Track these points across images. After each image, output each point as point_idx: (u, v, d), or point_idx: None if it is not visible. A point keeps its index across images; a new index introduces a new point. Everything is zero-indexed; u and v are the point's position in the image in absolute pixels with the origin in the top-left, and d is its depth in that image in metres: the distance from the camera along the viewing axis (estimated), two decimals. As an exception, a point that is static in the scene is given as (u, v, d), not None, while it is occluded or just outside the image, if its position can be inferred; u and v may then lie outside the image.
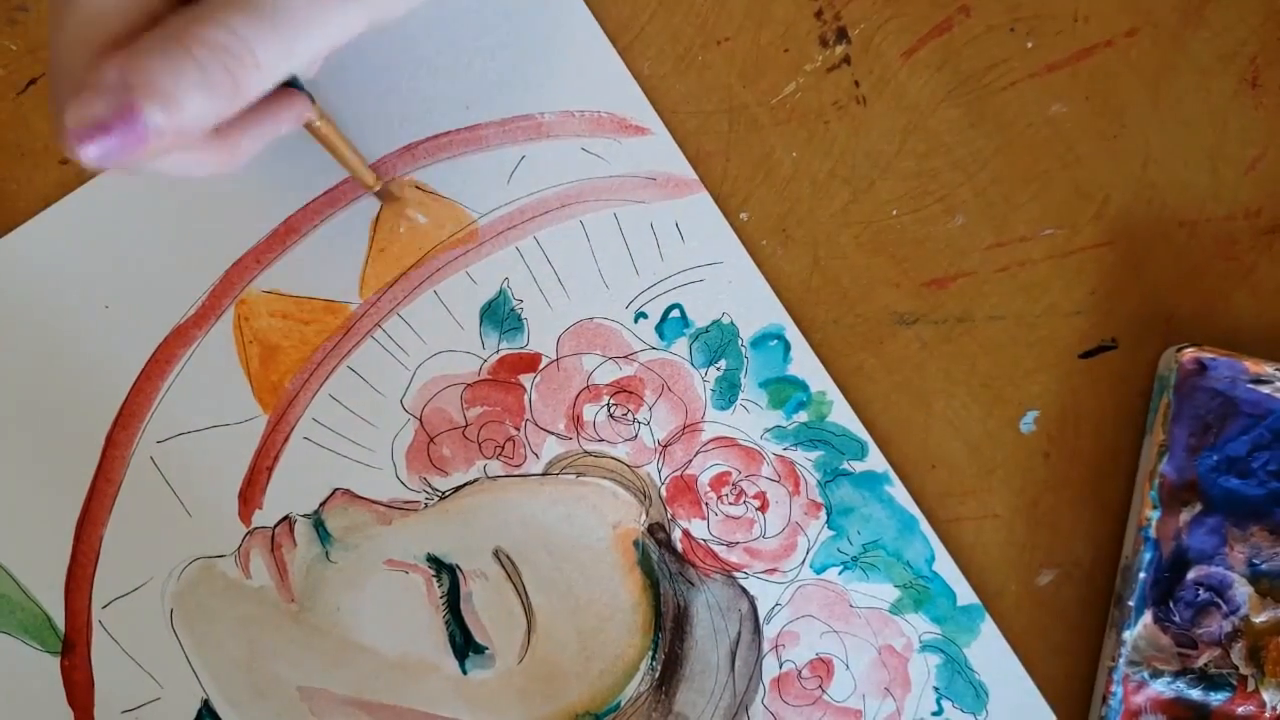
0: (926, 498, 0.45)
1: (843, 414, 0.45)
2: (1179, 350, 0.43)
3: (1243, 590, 0.43)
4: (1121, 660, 0.43)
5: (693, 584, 0.44)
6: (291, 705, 0.43)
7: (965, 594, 0.45)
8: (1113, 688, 0.43)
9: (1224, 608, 0.43)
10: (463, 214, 0.45)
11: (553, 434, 0.45)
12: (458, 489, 0.44)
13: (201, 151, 0.32)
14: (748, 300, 0.45)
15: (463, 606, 0.44)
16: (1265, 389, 0.44)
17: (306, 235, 0.45)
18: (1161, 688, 0.43)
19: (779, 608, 0.44)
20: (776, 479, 0.45)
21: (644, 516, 0.45)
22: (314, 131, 0.40)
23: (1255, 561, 0.43)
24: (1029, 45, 0.46)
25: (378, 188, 0.44)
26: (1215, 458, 0.44)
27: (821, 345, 0.45)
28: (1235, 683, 0.43)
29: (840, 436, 0.45)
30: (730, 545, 0.45)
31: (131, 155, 0.26)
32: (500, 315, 0.45)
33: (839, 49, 0.46)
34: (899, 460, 0.45)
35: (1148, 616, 0.43)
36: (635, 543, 0.44)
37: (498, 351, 0.45)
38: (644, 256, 0.45)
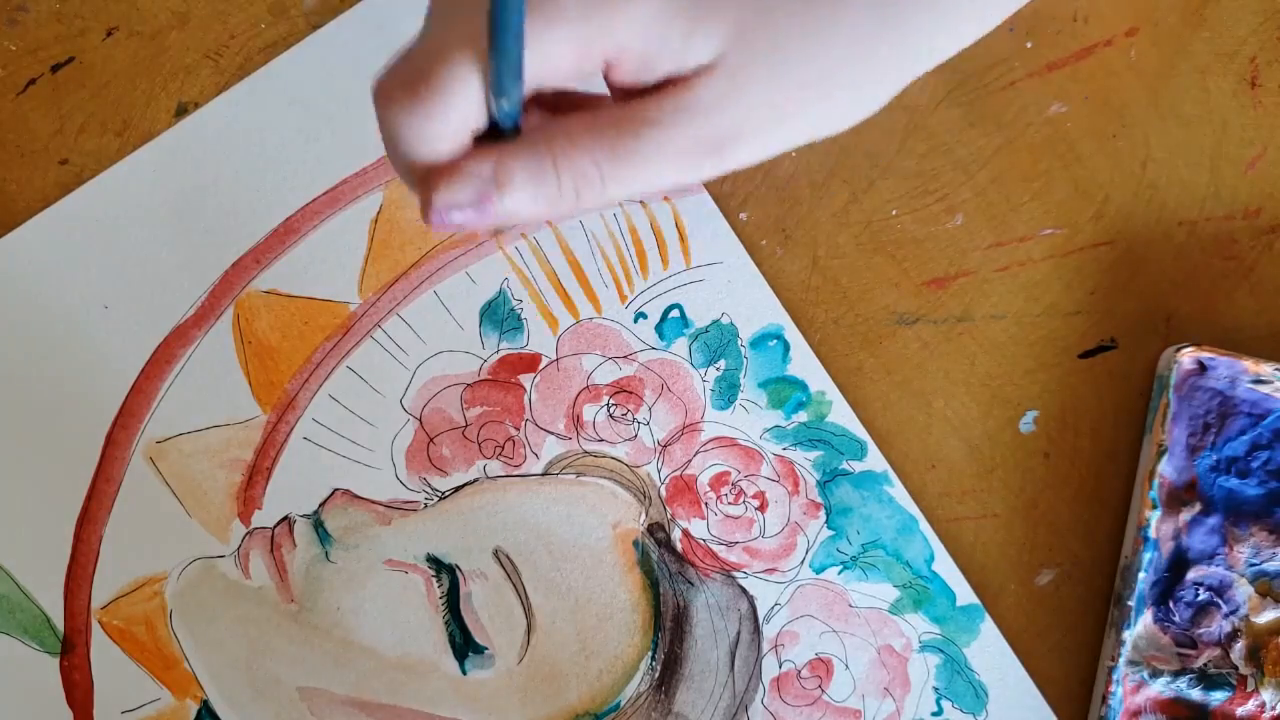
0: (926, 497, 0.45)
1: (842, 414, 0.45)
2: (1179, 350, 0.43)
3: (1242, 590, 0.43)
4: (1121, 660, 0.43)
5: (692, 584, 0.44)
6: (291, 705, 0.43)
7: (965, 594, 0.45)
8: (1112, 688, 0.43)
9: (1223, 608, 0.43)
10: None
11: (552, 434, 0.45)
12: (457, 489, 0.44)
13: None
14: (747, 300, 0.45)
15: (462, 606, 0.44)
16: (1265, 389, 0.44)
17: (306, 235, 0.45)
18: (1161, 688, 0.43)
19: (778, 607, 0.44)
20: (776, 479, 0.45)
21: (644, 516, 0.45)
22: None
23: (1255, 561, 0.43)
24: (1029, 45, 0.46)
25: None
26: (1215, 458, 0.44)
27: (821, 345, 0.45)
28: (1235, 683, 0.43)
29: (840, 436, 0.45)
30: (730, 545, 0.45)
31: (469, 229, 0.30)
32: (500, 315, 0.45)
33: (838, 49, 0.46)
34: (898, 460, 0.45)
35: (1147, 616, 0.43)
36: (635, 543, 0.44)
37: (497, 351, 0.45)
38: (644, 257, 0.45)
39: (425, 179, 0.29)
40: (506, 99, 0.28)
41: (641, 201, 0.45)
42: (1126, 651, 0.43)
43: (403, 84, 0.28)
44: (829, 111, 0.32)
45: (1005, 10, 0.35)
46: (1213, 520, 0.44)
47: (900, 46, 0.32)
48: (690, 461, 0.45)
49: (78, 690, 0.43)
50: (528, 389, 0.45)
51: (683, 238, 0.45)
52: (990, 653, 0.44)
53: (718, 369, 0.45)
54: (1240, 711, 0.43)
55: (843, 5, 0.30)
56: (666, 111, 0.29)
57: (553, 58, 0.28)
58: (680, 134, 0.29)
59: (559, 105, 0.31)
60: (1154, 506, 0.43)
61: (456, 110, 0.28)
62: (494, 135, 0.29)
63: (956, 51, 0.34)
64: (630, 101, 0.29)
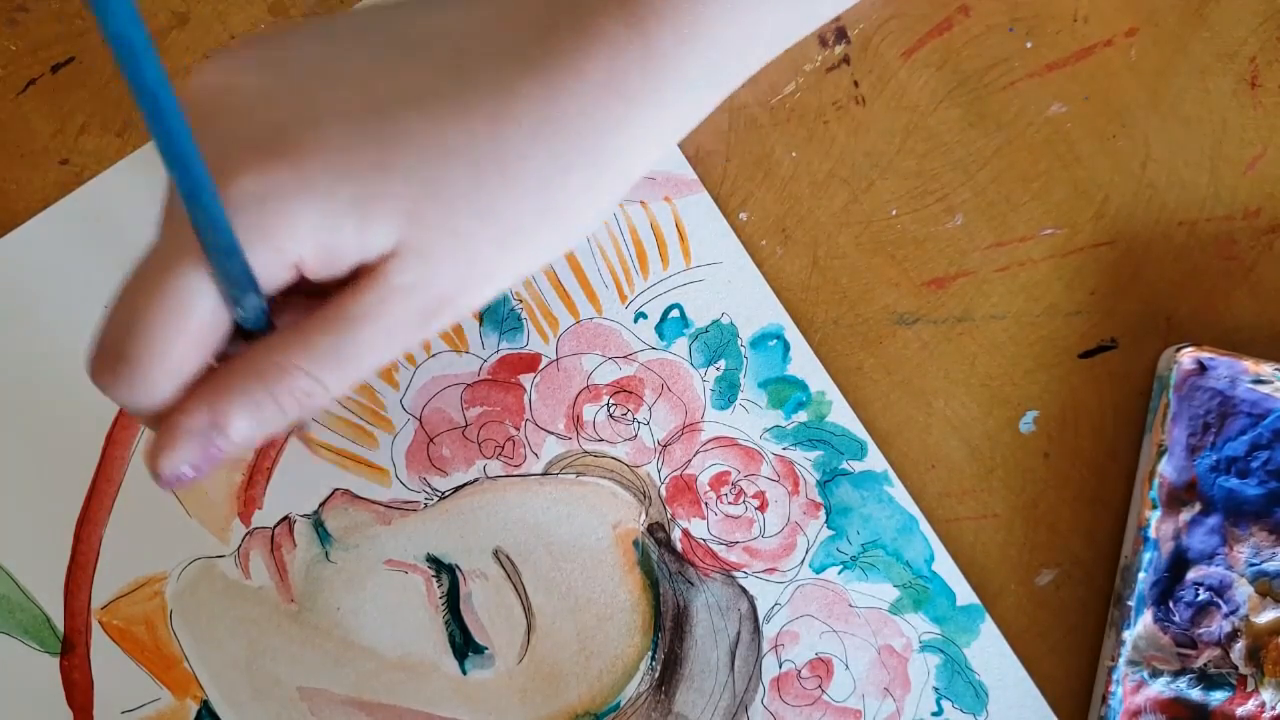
0: (926, 497, 0.45)
1: (842, 414, 0.45)
2: (1178, 350, 0.43)
3: (1242, 590, 0.43)
4: (1121, 660, 0.43)
5: (692, 584, 0.44)
6: (291, 705, 0.43)
7: (965, 594, 0.45)
8: (1112, 688, 0.43)
9: (1223, 608, 0.43)
10: (462, 214, 0.45)
11: (552, 434, 0.45)
12: (457, 489, 0.44)
13: None
14: (747, 300, 0.45)
15: (462, 607, 0.44)
16: (1265, 389, 0.44)
17: (306, 235, 0.45)
18: (1161, 688, 0.43)
19: (778, 607, 0.44)
20: (776, 479, 0.45)
21: (644, 516, 0.45)
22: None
23: (1255, 561, 0.43)
24: (1028, 45, 0.46)
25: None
26: (1215, 458, 0.44)
27: (821, 345, 0.45)
28: (1235, 683, 0.43)
29: (840, 436, 0.45)
30: (729, 545, 0.45)
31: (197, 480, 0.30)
32: (500, 315, 0.45)
33: (838, 49, 0.46)
34: (898, 460, 0.45)
35: (1147, 616, 0.43)
36: (635, 542, 0.44)
37: (497, 351, 0.45)
38: (644, 257, 0.45)
39: (153, 432, 0.29)
40: (241, 306, 0.28)
41: (642, 201, 0.45)
42: (1126, 651, 0.43)
43: (104, 365, 0.29)
44: (545, 245, 0.32)
45: (731, 77, 0.35)
46: (1213, 520, 0.44)
47: (598, 169, 0.31)
48: (690, 461, 0.45)
49: (78, 690, 0.43)
50: (528, 389, 0.45)
51: (683, 238, 0.45)
52: (990, 653, 0.44)
53: (718, 369, 0.45)
54: (1240, 711, 0.43)
55: (512, 167, 0.30)
56: (369, 304, 0.29)
57: (263, 268, 0.28)
58: (390, 319, 0.29)
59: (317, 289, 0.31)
60: (1154, 506, 0.43)
61: (158, 372, 0.28)
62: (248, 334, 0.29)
63: (698, 121, 0.34)
64: (334, 299, 0.29)
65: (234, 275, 0.27)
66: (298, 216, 0.28)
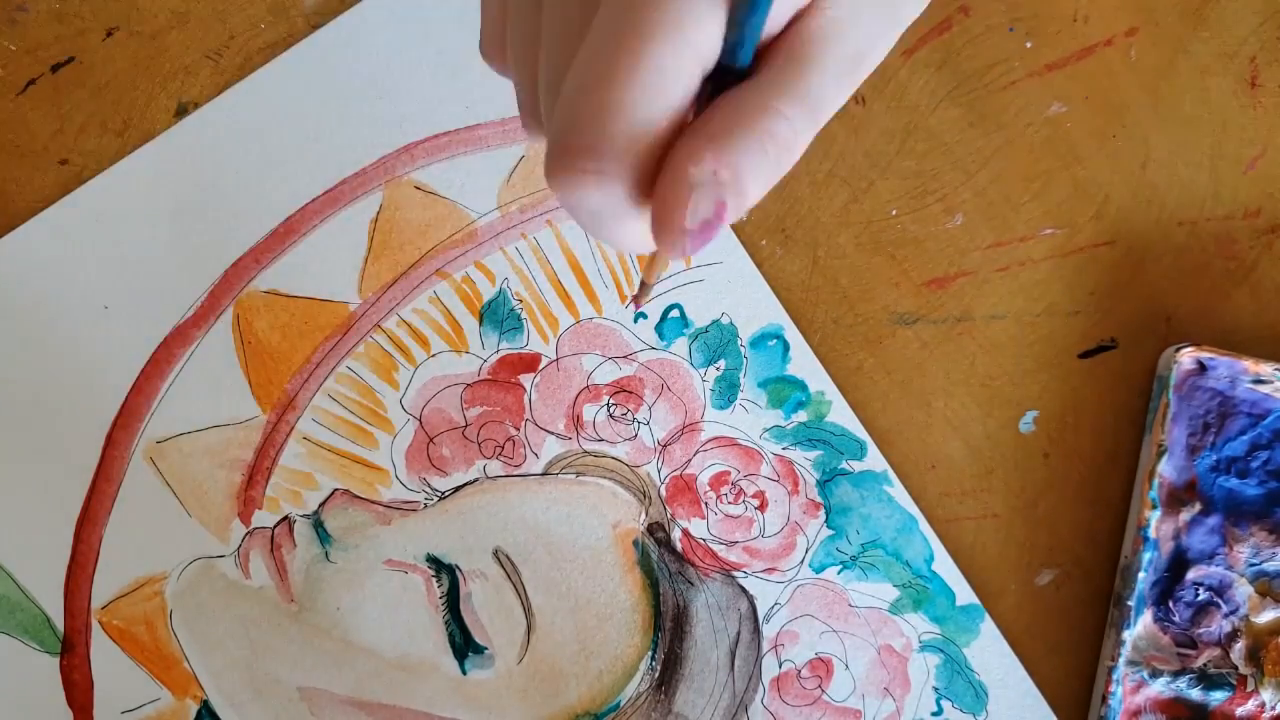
0: (926, 497, 0.45)
1: (842, 414, 0.45)
2: (1178, 350, 0.43)
3: (1242, 590, 0.43)
4: (1121, 660, 0.43)
5: (692, 583, 0.44)
6: (291, 705, 0.43)
7: (965, 594, 0.45)
8: (1112, 687, 0.43)
9: (1223, 608, 0.43)
10: (462, 214, 0.45)
11: (552, 434, 0.45)
12: (457, 489, 0.44)
13: None
14: (747, 300, 0.45)
15: (462, 607, 0.44)
16: (1265, 389, 0.44)
17: (306, 235, 0.45)
18: (1161, 687, 0.43)
19: (778, 607, 0.44)
20: (775, 478, 0.45)
21: (644, 516, 0.45)
22: None
23: (1254, 561, 0.43)
24: (1028, 45, 0.46)
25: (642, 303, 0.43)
26: (1215, 458, 0.44)
27: (821, 345, 0.45)
28: (1234, 682, 0.43)
29: (839, 436, 0.45)
30: (729, 544, 0.45)
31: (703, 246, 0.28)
32: (500, 315, 0.45)
33: (838, 49, 0.46)
34: (898, 460, 0.45)
35: (1147, 616, 0.43)
36: (635, 542, 0.44)
37: (497, 351, 0.45)
38: (644, 256, 0.45)
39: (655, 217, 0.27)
40: (749, 30, 0.26)
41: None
42: (1126, 651, 0.43)
43: (572, 162, 0.26)
44: None
45: None
46: (1212, 520, 0.44)
47: None
48: (690, 461, 0.45)
49: (78, 690, 0.43)
50: (528, 389, 0.45)
51: (683, 238, 0.45)
52: (990, 653, 0.44)
53: (717, 369, 0.45)
54: (1240, 711, 0.43)
55: None
56: (815, 39, 0.28)
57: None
58: (835, 53, 0.28)
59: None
60: (1154, 506, 0.43)
61: (634, 162, 0.26)
62: (717, 81, 0.27)
63: None
64: (777, 45, 0.28)
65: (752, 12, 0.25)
66: None
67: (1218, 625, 0.43)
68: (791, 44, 0.28)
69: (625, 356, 0.45)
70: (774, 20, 0.28)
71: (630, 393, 0.45)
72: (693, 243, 0.26)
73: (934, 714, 0.44)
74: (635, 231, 0.27)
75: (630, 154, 0.26)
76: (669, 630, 0.44)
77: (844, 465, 0.45)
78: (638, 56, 0.25)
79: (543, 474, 0.45)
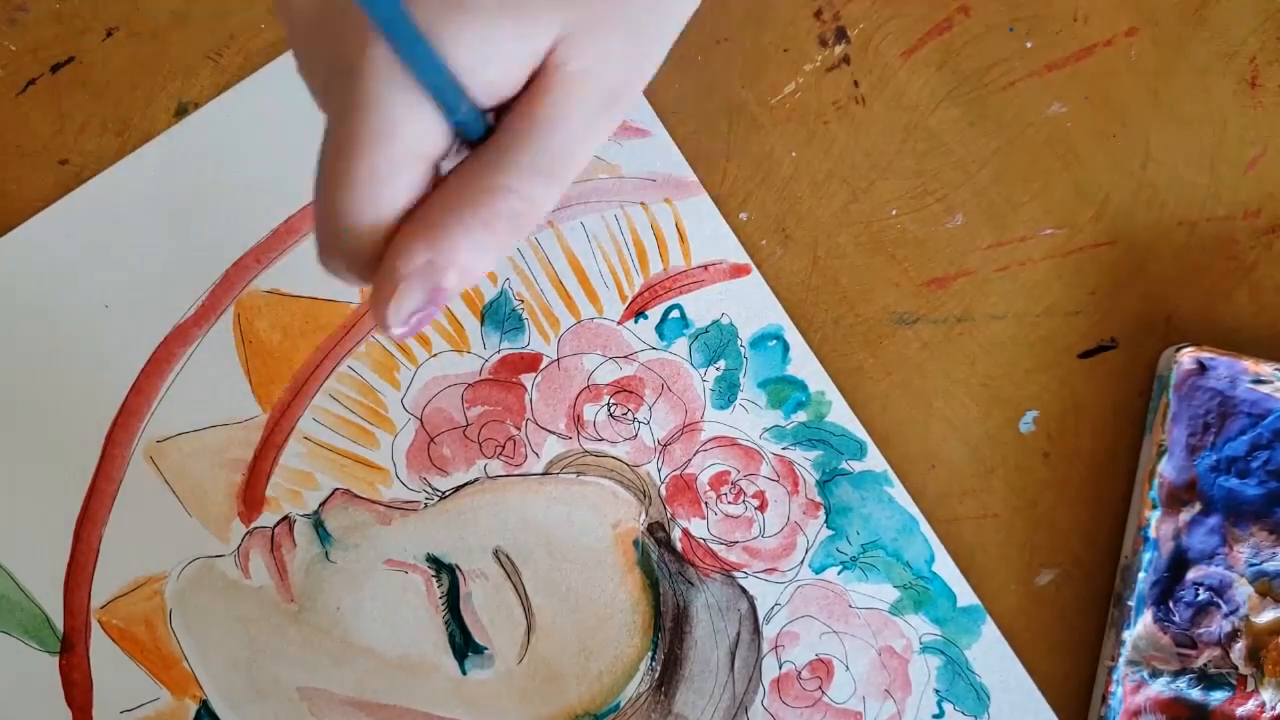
0: (926, 498, 0.45)
1: (841, 414, 0.45)
2: (1178, 350, 0.43)
3: (1242, 590, 0.43)
4: (1121, 660, 0.43)
5: (692, 584, 0.44)
6: (291, 705, 0.43)
7: (965, 595, 0.44)
8: (1112, 687, 0.43)
9: (1223, 608, 0.43)
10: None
11: (553, 433, 0.45)
12: (458, 489, 0.44)
13: None
14: (747, 301, 0.45)
15: (462, 607, 0.43)
16: (1265, 389, 0.44)
17: (306, 235, 0.45)
18: (1161, 687, 0.43)
19: (778, 608, 0.44)
20: (775, 478, 0.45)
21: (644, 516, 0.45)
22: None
23: (1255, 561, 0.43)
24: (1028, 45, 0.46)
25: None
26: (1215, 458, 0.44)
27: (821, 345, 0.45)
28: (1235, 682, 0.43)
29: (839, 436, 0.45)
30: (729, 544, 0.45)
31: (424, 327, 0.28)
32: (501, 315, 0.45)
33: (838, 49, 0.46)
34: (898, 460, 0.45)
35: (1147, 616, 0.43)
36: (635, 542, 0.44)
37: (498, 351, 0.45)
38: (644, 257, 0.45)
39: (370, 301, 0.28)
40: (450, 108, 0.26)
41: (642, 203, 0.45)
42: (1126, 651, 0.43)
43: (342, 151, 0.26)
44: (676, 16, 0.30)
45: None
46: (1212, 520, 0.44)
47: None
48: (690, 461, 0.45)
49: (77, 690, 0.43)
50: (528, 388, 0.45)
51: (683, 238, 0.45)
52: (992, 655, 0.44)
53: (717, 369, 0.45)
54: (1240, 711, 0.43)
55: None
56: (552, 100, 0.28)
57: (489, 61, 0.27)
58: (576, 112, 0.28)
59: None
60: (1154, 506, 0.43)
61: (405, 146, 0.26)
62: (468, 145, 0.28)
63: None
64: (515, 109, 0.28)
65: (440, 83, 0.26)
66: (458, 41, 0.26)
67: (1218, 625, 0.43)
68: (530, 105, 0.28)
69: (626, 356, 0.45)
70: (505, 84, 0.28)
71: (631, 392, 0.45)
72: (404, 331, 0.27)
73: (935, 716, 0.44)
74: None
75: (356, 252, 0.27)
76: (669, 631, 0.44)
77: (844, 465, 0.45)
78: (350, 166, 0.26)
79: (543, 474, 0.45)
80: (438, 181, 0.28)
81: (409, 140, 0.26)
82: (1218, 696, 0.43)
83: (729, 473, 0.45)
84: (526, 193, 0.27)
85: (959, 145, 0.46)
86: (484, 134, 0.28)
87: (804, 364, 0.45)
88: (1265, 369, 0.43)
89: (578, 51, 0.28)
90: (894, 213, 0.46)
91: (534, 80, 0.28)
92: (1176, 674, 0.43)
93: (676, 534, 0.44)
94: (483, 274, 0.28)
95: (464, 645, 0.43)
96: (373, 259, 0.27)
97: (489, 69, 0.27)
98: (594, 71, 0.28)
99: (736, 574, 0.45)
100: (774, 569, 0.45)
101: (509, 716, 0.43)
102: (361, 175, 0.26)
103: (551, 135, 0.28)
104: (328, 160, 0.27)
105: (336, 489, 0.44)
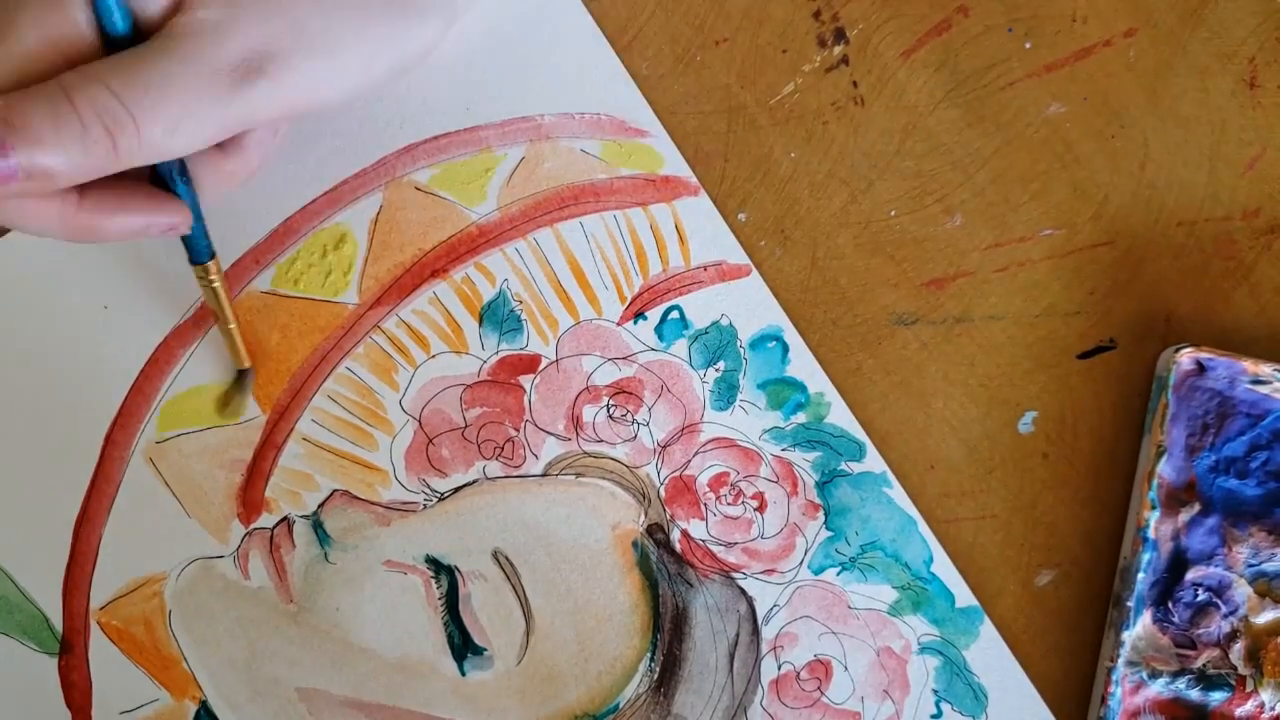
0: (925, 498, 0.45)
1: (841, 415, 0.45)
2: (1177, 350, 0.43)
3: (1241, 591, 0.43)
4: (1120, 661, 0.43)
5: (691, 585, 0.44)
6: (290, 706, 0.43)
7: (964, 596, 0.44)
8: (1111, 688, 0.43)
9: (1223, 608, 0.43)
10: (462, 215, 0.45)
11: (552, 435, 0.45)
12: (457, 490, 0.44)
13: (63, 212, 0.32)
14: (746, 301, 0.45)
15: (461, 608, 0.44)
16: (1264, 389, 0.44)
17: (306, 235, 0.45)
18: (1160, 688, 0.43)
19: (777, 609, 0.44)
20: (775, 479, 0.45)
21: (643, 517, 0.45)
22: (203, 284, 0.40)
23: (1254, 562, 0.43)
24: (1027, 45, 0.46)
25: (245, 367, 0.43)
26: (1214, 458, 0.44)
27: (820, 346, 0.45)
28: (1234, 683, 0.43)
29: (838, 437, 0.45)
30: (729, 546, 0.45)
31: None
32: (500, 316, 0.45)
33: (837, 49, 0.46)
34: (897, 461, 0.45)
35: (1146, 617, 0.43)
36: (634, 543, 0.44)
37: (497, 352, 0.45)
38: (643, 258, 0.45)
39: None
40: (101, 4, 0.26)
41: (641, 203, 0.45)
42: (1125, 652, 0.43)
43: None
44: (388, 36, 0.31)
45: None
46: (1212, 521, 0.44)
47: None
48: (689, 462, 0.45)
49: (76, 691, 0.43)
50: (527, 390, 0.45)
51: (682, 239, 0.45)
52: (990, 656, 0.44)
53: (717, 370, 0.45)
54: (1239, 712, 0.43)
55: None
56: (176, 34, 0.28)
57: None
58: (198, 56, 0.28)
59: None
60: (1153, 507, 0.43)
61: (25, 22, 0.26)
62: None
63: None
64: (161, 34, 0.28)
65: None
66: None
67: (1217, 626, 0.43)
68: (158, 35, 0.28)
69: (625, 358, 0.45)
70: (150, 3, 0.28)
71: (630, 394, 0.45)
72: None
73: (933, 716, 0.44)
74: None
75: None
76: (668, 632, 0.44)
77: (843, 466, 0.45)
78: None
79: (542, 475, 0.45)
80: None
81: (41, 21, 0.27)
82: (1217, 697, 0.43)
83: (728, 474, 0.45)
84: (122, 95, 0.27)
85: (958, 146, 0.46)
86: (122, 33, 0.28)
87: (803, 365, 0.45)
88: (1264, 369, 0.43)
89: (213, 6, 0.29)
90: (893, 213, 0.46)
91: (168, 15, 0.29)
92: (1175, 674, 0.43)
93: (675, 535, 0.45)
94: (59, 165, 0.27)
95: (463, 646, 0.43)
96: None
97: None
98: (226, 28, 0.28)
99: (735, 575, 0.45)
100: (773, 570, 0.45)
101: (508, 717, 0.43)
102: None
103: (167, 59, 0.28)
104: None
105: (335, 490, 0.44)
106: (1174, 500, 0.44)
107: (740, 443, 0.45)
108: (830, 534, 0.45)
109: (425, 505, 0.44)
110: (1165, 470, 0.44)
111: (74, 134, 0.27)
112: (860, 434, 0.45)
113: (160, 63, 0.28)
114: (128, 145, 0.28)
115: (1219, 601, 0.43)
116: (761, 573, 0.45)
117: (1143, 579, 0.43)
